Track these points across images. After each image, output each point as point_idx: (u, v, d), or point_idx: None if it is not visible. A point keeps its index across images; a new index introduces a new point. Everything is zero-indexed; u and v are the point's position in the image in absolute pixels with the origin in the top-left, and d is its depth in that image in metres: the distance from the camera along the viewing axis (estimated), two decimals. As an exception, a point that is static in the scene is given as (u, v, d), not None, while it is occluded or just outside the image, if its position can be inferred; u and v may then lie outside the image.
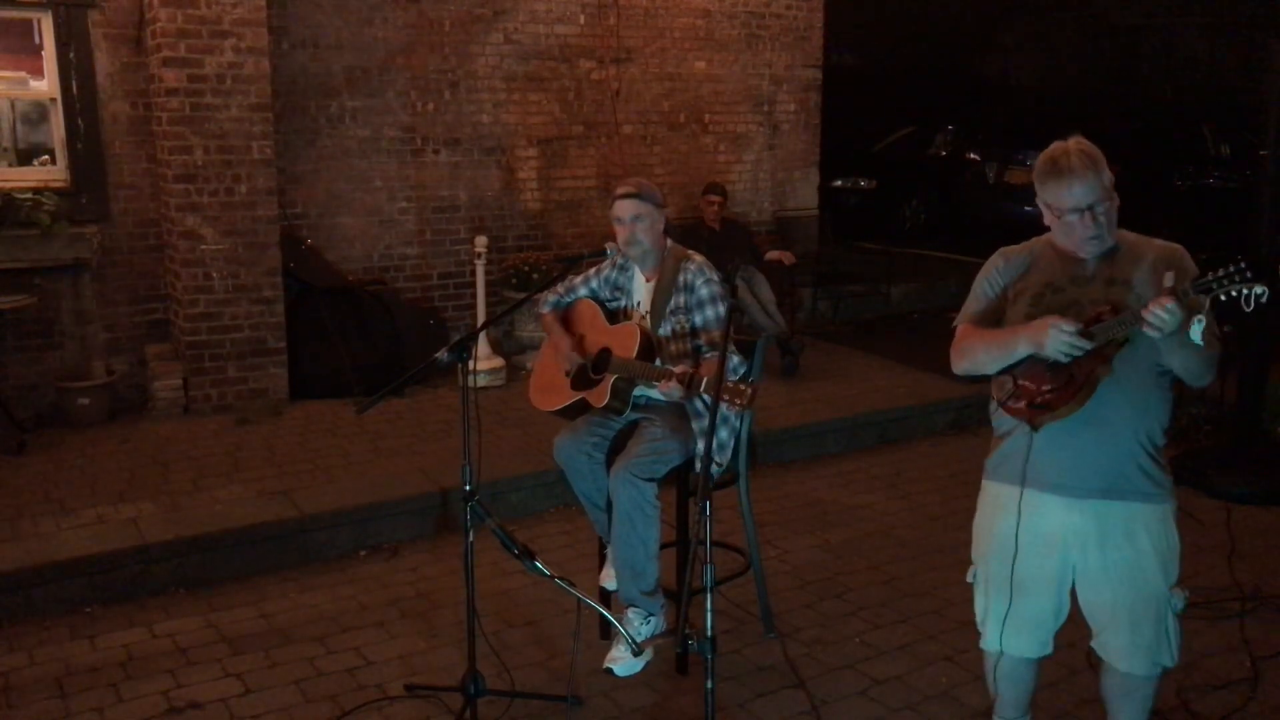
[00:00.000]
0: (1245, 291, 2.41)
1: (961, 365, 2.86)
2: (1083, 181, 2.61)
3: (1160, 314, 2.41)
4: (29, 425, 5.90)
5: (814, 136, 8.97)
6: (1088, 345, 2.55)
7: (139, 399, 6.36)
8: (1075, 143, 2.68)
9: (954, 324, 2.92)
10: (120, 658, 3.82)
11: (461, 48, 7.21)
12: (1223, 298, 2.44)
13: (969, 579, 3.00)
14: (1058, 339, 2.55)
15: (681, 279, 3.65)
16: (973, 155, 12.46)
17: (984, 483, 2.96)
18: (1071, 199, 2.63)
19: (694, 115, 8.27)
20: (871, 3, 13.76)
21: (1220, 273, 2.42)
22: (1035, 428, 2.71)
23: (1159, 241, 2.76)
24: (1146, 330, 2.46)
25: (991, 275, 2.87)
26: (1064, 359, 2.58)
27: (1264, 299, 2.40)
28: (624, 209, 3.61)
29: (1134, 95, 14.31)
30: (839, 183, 11.37)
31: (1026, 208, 12.84)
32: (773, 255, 7.33)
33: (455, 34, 7.18)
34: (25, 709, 3.48)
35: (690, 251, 3.75)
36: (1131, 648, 2.77)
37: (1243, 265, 2.40)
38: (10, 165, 6.29)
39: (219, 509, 4.72)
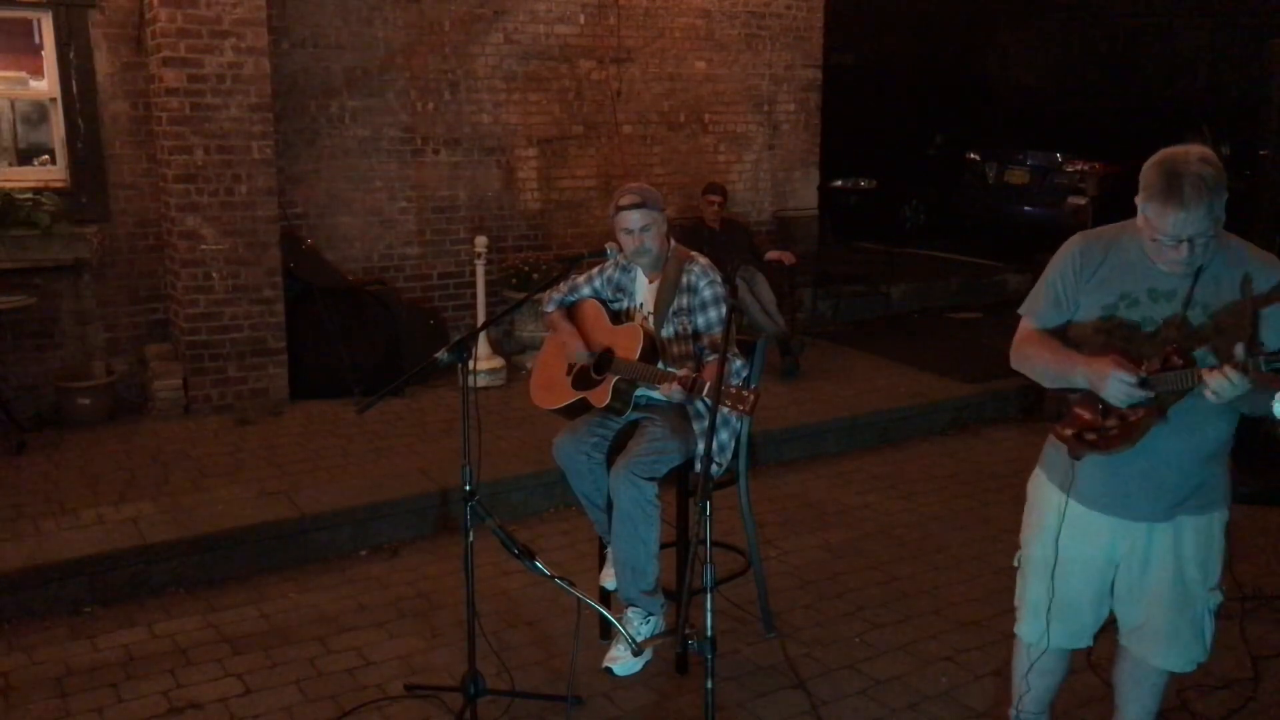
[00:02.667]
0: None
1: (1018, 366, 2.79)
2: (1190, 215, 2.37)
3: (1222, 383, 2.32)
4: (29, 425, 5.90)
5: (814, 136, 8.97)
6: (1145, 396, 2.45)
7: (139, 399, 6.36)
8: (1198, 162, 2.38)
9: (1019, 310, 2.83)
10: (120, 658, 3.82)
11: (461, 48, 7.21)
12: None
13: (1014, 563, 2.98)
14: (1117, 388, 2.45)
15: (685, 280, 3.65)
16: (973, 155, 12.47)
17: (1036, 469, 2.91)
18: (1172, 229, 2.41)
19: (694, 115, 8.27)
20: (871, 3, 13.75)
21: None
22: (1075, 458, 2.66)
23: (1255, 253, 2.57)
24: (1205, 394, 2.36)
25: (1065, 272, 2.68)
26: (1120, 405, 2.50)
27: None
28: (632, 220, 3.59)
29: (1134, 95, 14.30)
30: (839, 183, 11.37)
31: (1026, 208, 12.91)
32: (773, 255, 7.33)
33: (455, 34, 7.18)
34: (25, 709, 3.48)
35: (694, 253, 3.75)
36: (1166, 641, 2.76)
37: None
38: (10, 165, 6.29)
39: (219, 509, 4.72)
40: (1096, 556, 2.76)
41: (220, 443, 5.68)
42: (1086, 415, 2.61)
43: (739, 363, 3.55)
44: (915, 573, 4.53)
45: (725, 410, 3.22)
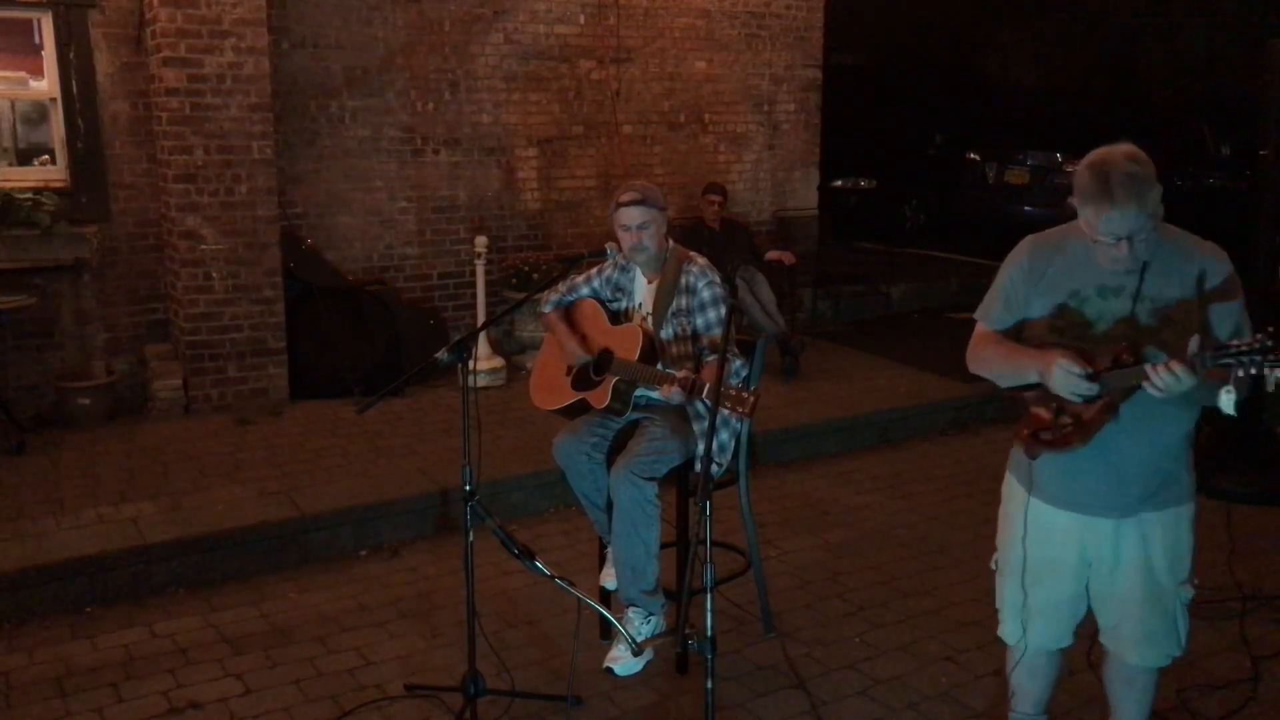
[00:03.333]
0: (1270, 372, 2.22)
1: (976, 369, 2.82)
2: (1123, 213, 2.39)
3: (1166, 378, 2.31)
4: (29, 425, 5.90)
5: (814, 136, 8.98)
6: (1092, 388, 2.45)
7: (139, 399, 6.35)
8: (1124, 160, 2.41)
9: (974, 315, 2.85)
10: (120, 658, 3.82)
11: (461, 48, 7.21)
12: (1240, 374, 2.26)
13: (991, 566, 3.00)
14: (1064, 379, 2.47)
15: (684, 281, 3.65)
16: (973, 155, 12.46)
17: (1006, 473, 2.93)
18: (1108, 228, 2.43)
19: (694, 115, 8.27)
20: (871, 3, 13.76)
21: (1243, 346, 2.24)
22: (1031, 457, 2.68)
23: (1198, 246, 2.58)
24: (1148, 389, 2.36)
25: (1015, 274, 2.72)
26: (1070, 398, 2.51)
27: None
28: (631, 216, 3.59)
29: (1134, 95, 14.31)
30: (839, 183, 11.37)
31: (1026, 208, 12.91)
32: (773, 255, 7.34)
33: (455, 34, 7.18)
34: (25, 709, 3.48)
35: (692, 253, 3.75)
36: (1142, 640, 2.77)
37: (1270, 343, 2.21)
38: (10, 165, 6.29)
39: (219, 509, 4.72)
40: (1068, 557, 2.77)
41: (220, 443, 5.68)
42: (1042, 414, 2.64)
43: (738, 363, 3.55)
44: (915, 573, 4.53)
45: (725, 411, 3.22)
